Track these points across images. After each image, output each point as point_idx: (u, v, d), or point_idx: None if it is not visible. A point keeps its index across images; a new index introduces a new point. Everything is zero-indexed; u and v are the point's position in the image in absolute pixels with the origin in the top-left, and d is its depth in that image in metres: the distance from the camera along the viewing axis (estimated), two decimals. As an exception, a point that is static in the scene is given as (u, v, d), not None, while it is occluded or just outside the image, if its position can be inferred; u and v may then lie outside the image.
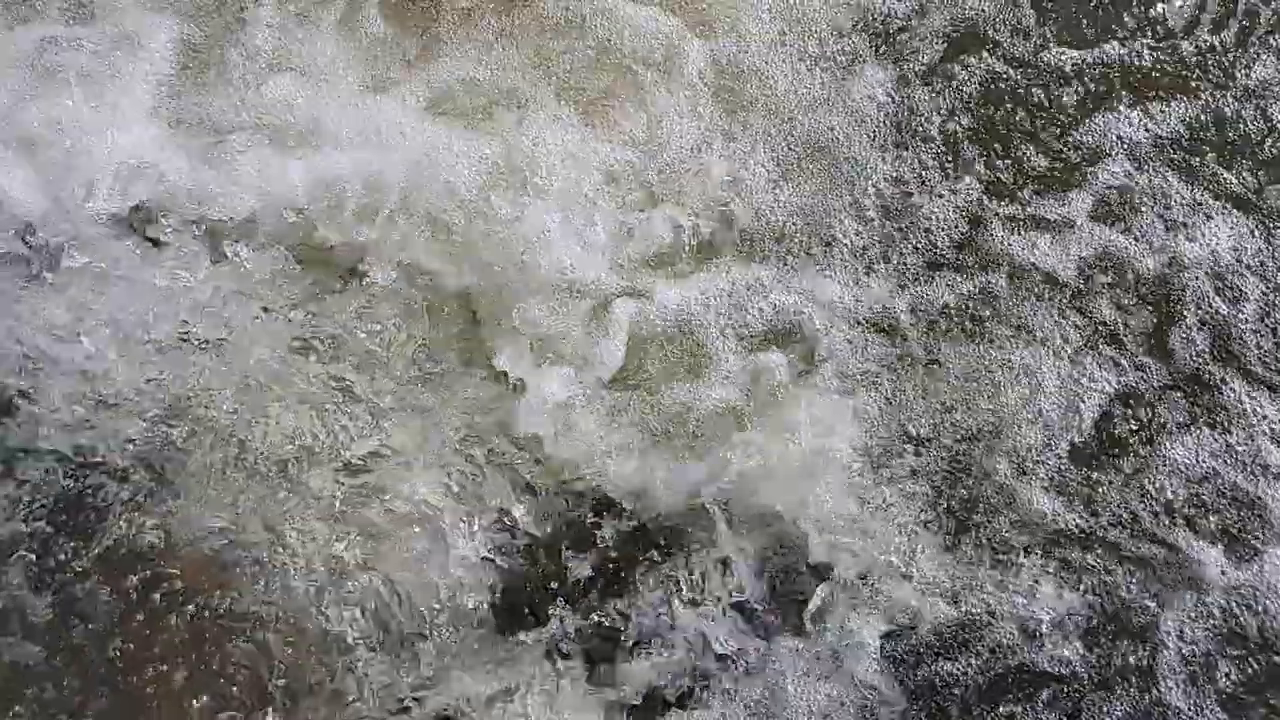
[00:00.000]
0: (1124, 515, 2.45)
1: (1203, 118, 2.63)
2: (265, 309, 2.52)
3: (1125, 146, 2.61)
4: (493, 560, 2.44)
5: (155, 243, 2.53)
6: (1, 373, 2.43)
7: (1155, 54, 2.66)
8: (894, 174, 2.61)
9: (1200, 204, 2.58)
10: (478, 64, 2.66)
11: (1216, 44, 2.66)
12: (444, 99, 2.66)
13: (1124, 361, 2.52)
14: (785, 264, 2.58)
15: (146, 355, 2.47)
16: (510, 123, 2.62)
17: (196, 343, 2.49)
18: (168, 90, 2.61)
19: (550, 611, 2.40)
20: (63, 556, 2.34)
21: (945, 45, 2.67)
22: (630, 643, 2.38)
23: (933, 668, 2.39)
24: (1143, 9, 2.68)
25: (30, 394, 2.43)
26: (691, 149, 2.63)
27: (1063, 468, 2.47)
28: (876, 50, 2.68)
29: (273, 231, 2.56)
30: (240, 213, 2.56)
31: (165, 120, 2.59)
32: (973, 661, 2.39)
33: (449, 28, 2.68)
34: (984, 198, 2.60)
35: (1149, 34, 2.67)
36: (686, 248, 2.59)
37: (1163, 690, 2.36)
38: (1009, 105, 2.65)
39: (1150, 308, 2.55)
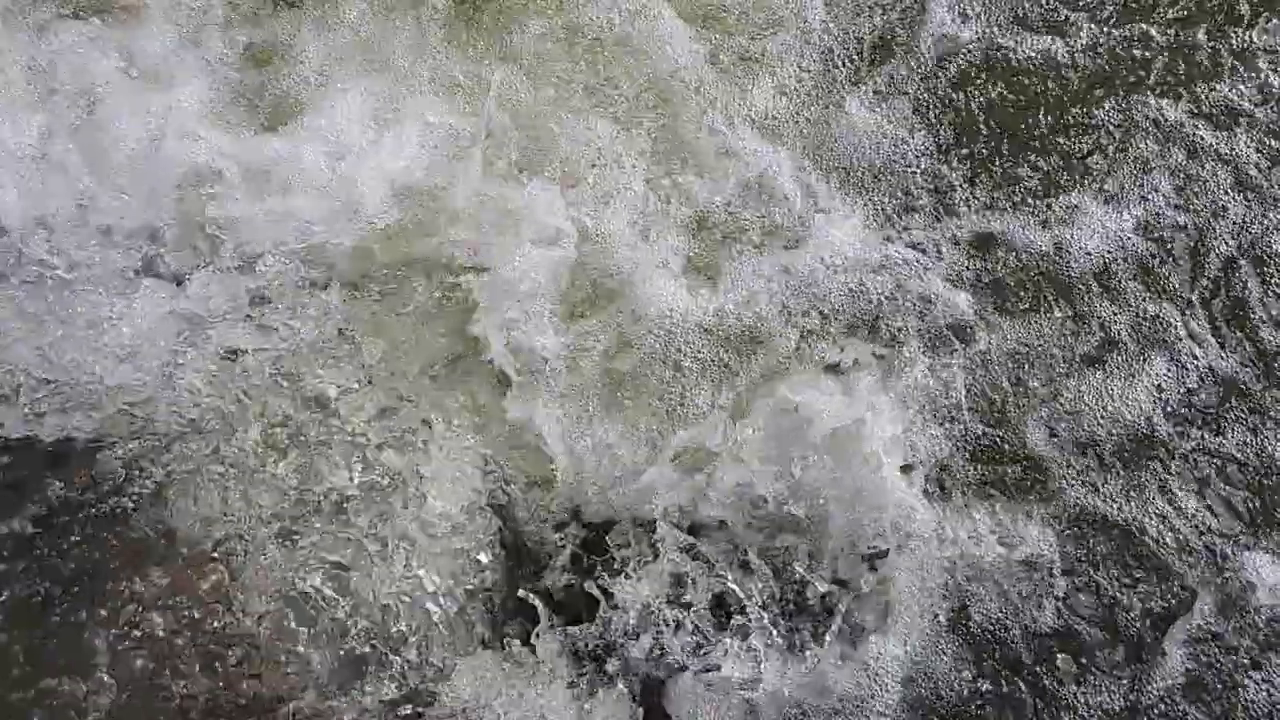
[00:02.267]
0: (1180, 503, 2.44)
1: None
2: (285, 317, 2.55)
3: (1171, 129, 2.64)
4: (492, 563, 2.45)
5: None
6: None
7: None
8: (944, 167, 2.64)
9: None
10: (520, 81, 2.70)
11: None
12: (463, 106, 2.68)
13: (1184, 344, 2.52)
14: (844, 256, 2.60)
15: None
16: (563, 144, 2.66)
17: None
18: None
19: (544, 615, 2.39)
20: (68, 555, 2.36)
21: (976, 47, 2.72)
22: (623, 647, 2.37)
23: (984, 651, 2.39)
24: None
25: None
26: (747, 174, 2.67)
27: (1118, 449, 2.48)
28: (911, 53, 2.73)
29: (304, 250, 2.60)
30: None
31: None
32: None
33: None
34: (1037, 182, 2.63)
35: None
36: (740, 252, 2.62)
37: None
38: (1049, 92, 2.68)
39: (1214, 288, 2.56)
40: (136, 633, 2.29)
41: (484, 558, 2.44)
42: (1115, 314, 2.54)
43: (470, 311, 2.55)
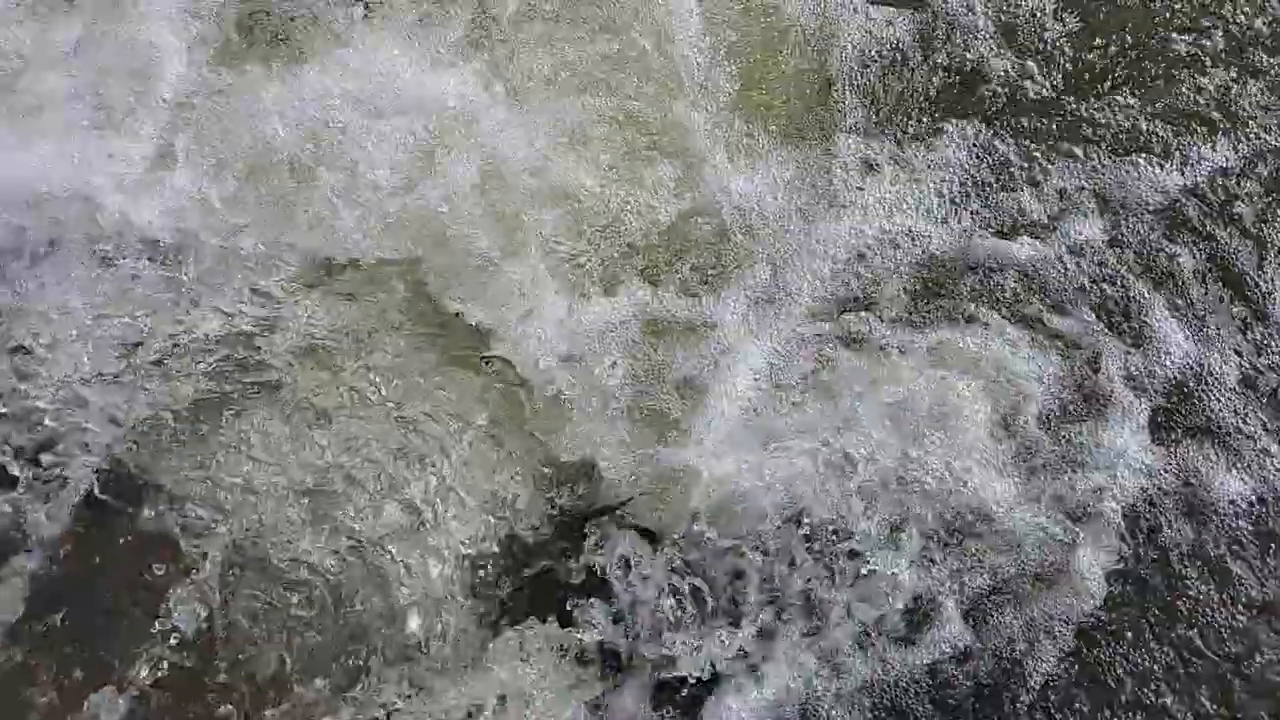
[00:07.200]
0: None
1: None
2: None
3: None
4: (494, 560, 2.42)
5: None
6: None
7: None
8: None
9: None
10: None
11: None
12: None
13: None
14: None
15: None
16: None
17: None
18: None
19: (549, 611, 2.38)
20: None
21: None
22: (631, 641, 2.35)
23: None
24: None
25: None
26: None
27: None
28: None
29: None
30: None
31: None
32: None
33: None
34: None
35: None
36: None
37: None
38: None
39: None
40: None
41: (493, 550, 2.42)
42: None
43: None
